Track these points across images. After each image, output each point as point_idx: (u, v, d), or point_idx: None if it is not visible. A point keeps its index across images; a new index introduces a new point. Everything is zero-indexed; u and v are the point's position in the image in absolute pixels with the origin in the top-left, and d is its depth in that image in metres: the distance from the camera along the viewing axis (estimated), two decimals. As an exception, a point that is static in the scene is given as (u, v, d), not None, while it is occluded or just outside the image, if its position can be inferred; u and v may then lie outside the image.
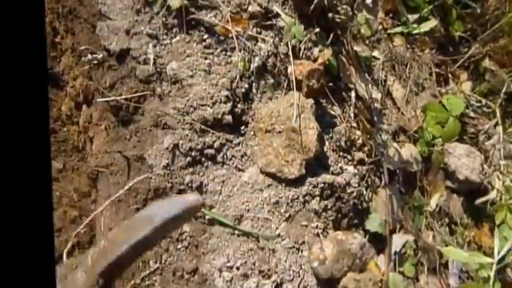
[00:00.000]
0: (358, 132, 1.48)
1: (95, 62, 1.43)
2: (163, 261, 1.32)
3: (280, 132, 1.32)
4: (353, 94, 1.49)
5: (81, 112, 1.62)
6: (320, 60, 1.38)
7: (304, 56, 1.41)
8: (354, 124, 1.48)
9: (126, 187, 1.34)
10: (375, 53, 1.58)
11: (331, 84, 1.47)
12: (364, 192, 1.43)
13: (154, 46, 1.38)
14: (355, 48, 1.52)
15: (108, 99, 1.40)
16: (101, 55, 1.42)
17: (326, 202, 1.34)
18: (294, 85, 1.31)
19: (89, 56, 1.42)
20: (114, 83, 1.43)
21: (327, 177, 1.34)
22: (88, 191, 1.45)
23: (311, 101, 1.33)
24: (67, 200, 1.46)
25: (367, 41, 1.59)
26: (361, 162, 1.46)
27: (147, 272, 1.31)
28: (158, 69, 1.38)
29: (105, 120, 1.50)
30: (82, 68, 1.51)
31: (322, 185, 1.33)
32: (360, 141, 1.48)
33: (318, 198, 1.33)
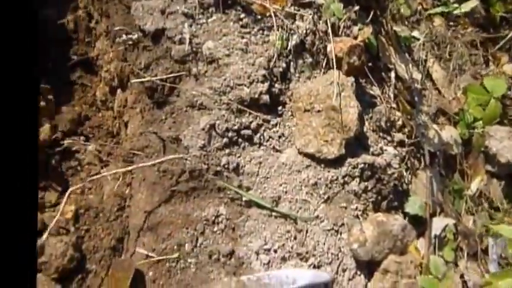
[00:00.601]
0: (398, 113, 1.40)
1: (130, 42, 1.39)
2: (198, 244, 1.27)
3: (319, 111, 1.26)
4: (393, 74, 1.42)
5: (115, 97, 1.58)
6: (360, 39, 1.31)
7: (343, 35, 1.34)
8: (394, 105, 1.40)
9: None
10: (415, 33, 1.50)
11: (370, 64, 1.40)
12: (404, 174, 1.36)
13: (190, 26, 1.33)
14: (395, 28, 1.45)
15: (143, 80, 1.36)
16: (135, 35, 1.37)
17: (366, 183, 1.28)
18: (334, 62, 1.24)
19: (124, 37, 1.38)
20: (149, 64, 1.38)
21: (367, 158, 1.28)
22: (124, 174, 1.41)
23: (351, 79, 1.26)
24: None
25: (406, 21, 1.51)
26: (401, 143, 1.38)
27: (182, 254, 1.27)
28: (194, 49, 1.33)
29: (140, 102, 1.46)
30: (117, 50, 1.47)
31: (362, 165, 1.27)
32: (400, 122, 1.41)
33: (357, 179, 1.27)
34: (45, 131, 1.48)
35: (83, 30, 1.62)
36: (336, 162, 1.27)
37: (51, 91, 1.51)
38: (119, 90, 1.55)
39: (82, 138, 1.53)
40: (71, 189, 1.09)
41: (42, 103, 1.50)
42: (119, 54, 1.48)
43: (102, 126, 1.59)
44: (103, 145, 1.53)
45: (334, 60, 1.24)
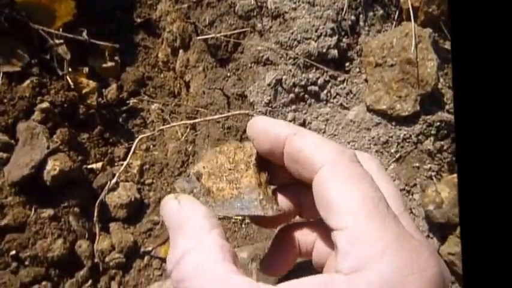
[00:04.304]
0: (472, 71, 1.19)
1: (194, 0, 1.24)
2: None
3: (392, 65, 1.07)
4: (466, 30, 1.20)
5: (177, 58, 1.45)
6: (436, -12, 1.10)
7: (417, -16, 1.13)
8: (468, 62, 1.19)
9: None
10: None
11: (443, 17, 1.18)
12: (481, 134, 1.16)
13: (256, -22, 1.16)
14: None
15: (207, 36, 1.21)
16: (200, -9, 1.23)
17: (441, 143, 1.09)
18: (411, 11, 1.05)
19: (189, -7, 1.23)
20: (213, 21, 1.24)
21: (443, 116, 1.08)
22: (186, 133, 1.29)
23: (429, 30, 1.06)
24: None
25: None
26: (475, 103, 1.17)
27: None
28: (259, 4, 1.17)
29: (202, 61, 1.32)
30: (180, 10, 1.33)
31: (437, 123, 1.08)
32: (473, 81, 1.19)
33: (432, 138, 1.08)
34: (112, 90, 1.38)
35: (146, -8, 1.49)
36: (409, 120, 1.08)
37: (118, 52, 1.40)
38: (180, 51, 1.42)
39: (146, 98, 1.42)
40: (140, 136, 0.98)
41: (110, 63, 1.40)
42: (182, 14, 1.34)
43: (164, 86, 1.47)
44: (165, 104, 1.41)
45: (411, 9, 1.05)
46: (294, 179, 0.35)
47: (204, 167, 0.37)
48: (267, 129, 0.34)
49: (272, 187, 0.38)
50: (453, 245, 1.04)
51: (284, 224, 0.40)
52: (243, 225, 1.12)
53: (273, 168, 0.38)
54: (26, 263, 1.02)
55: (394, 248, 0.27)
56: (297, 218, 0.40)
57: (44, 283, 1.02)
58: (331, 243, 0.30)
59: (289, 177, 0.35)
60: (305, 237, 0.38)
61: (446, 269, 0.28)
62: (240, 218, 1.15)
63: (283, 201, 0.38)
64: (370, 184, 0.30)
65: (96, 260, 1.11)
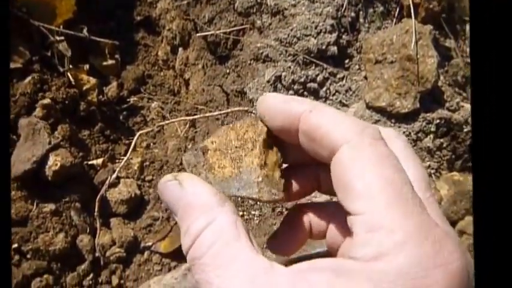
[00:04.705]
0: (473, 69, 1.18)
1: (194, -4, 1.24)
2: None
3: (392, 62, 1.07)
4: (467, 27, 1.19)
5: (176, 56, 1.45)
6: (436, -15, 1.10)
7: (417, -19, 1.13)
8: (469, 60, 1.18)
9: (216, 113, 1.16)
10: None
11: (444, 15, 1.18)
12: (481, 132, 1.15)
13: (256, -25, 1.16)
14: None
15: (207, 33, 1.22)
16: (200, -11, 1.23)
17: (441, 140, 1.09)
18: (412, 8, 1.04)
19: (189, -10, 1.24)
20: (212, 18, 1.24)
21: (443, 113, 1.08)
22: (186, 131, 1.30)
23: (429, 26, 1.06)
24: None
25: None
26: (476, 100, 1.17)
27: (246, 206, 1.14)
28: (258, 0, 1.16)
29: (202, 59, 1.32)
30: (179, 7, 1.33)
31: (437, 121, 1.07)
32: (474, 78, 1.19)
33: (432, 135, 1.08)
34: (112, 88, 1.39)
35: (146, -10, 1.49)
36: (409, 117, 1.08)
37: (118, 50, 1.41)
38: (180, 49, 1.42)
39: (146, 96, 1.42)
40: (140, 132, 0.99)
41: (110, 61, 1.40)
42: (181, 11, 1.35)
43: (164, 84, 1.47)
44: (165, 102, 1.41)
45: (411, 5, 1.04)
46: (310, 158, 0.32)
47: (212, 142, 0.36)
48: (280, 106, 0.32)
49: (284, 166, 0.36)
50: (452, 243, 1.04)
51: (297, 202, 0.38)
52: (242, 222, 1.13)
53: (286, 148, 0.36)
54: (28, 256, 1.03)
55: (416, 237, 0.25)
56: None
57: (45, 276, 1.03)
58: (347, 227, 0.28)
59: (304, 156, 0.33)
60: (318, 217, 0.36)
61: (471, 262, 0.27)
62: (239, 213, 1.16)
63: (298, 180, 0.36)
64: (393, 165, 0.27)
65: (97, 254, 1.12)
